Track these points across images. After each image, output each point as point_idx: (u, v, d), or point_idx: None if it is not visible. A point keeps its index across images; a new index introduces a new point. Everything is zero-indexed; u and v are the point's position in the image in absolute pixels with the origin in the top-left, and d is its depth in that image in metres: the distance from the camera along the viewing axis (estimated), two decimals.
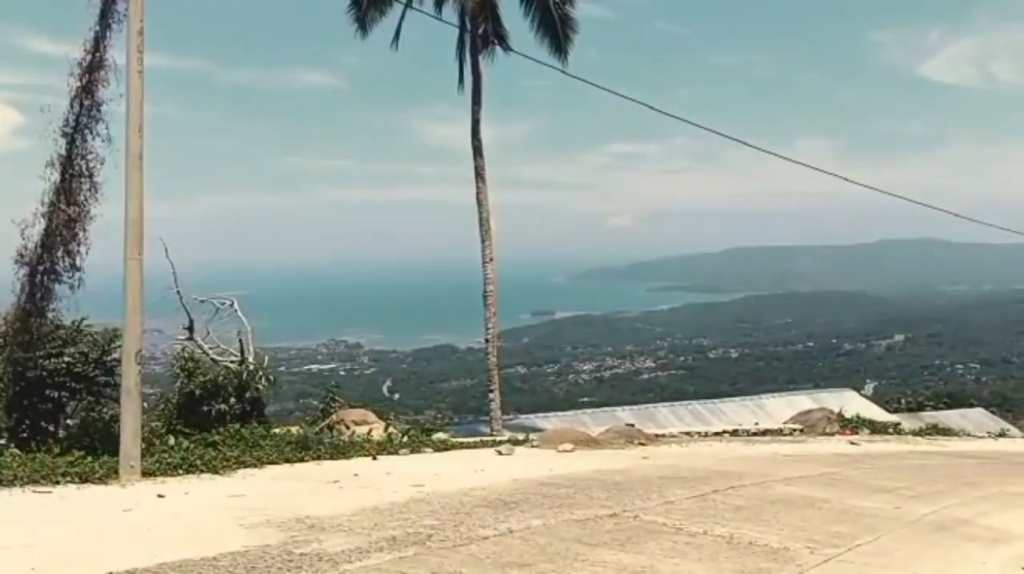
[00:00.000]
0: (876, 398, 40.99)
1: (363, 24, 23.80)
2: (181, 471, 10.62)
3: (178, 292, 15.01)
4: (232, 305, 15.87)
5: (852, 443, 19.75)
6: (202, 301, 15.69)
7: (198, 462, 10.94)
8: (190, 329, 15.36)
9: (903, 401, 42.53)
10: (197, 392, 13.88)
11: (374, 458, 12.88)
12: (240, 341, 15.25)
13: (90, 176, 12.22)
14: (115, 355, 12.65)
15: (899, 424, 26.23)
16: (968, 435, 26.03)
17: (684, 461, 14.32)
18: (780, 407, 28.82)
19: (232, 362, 14.84)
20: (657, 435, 18.98)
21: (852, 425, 23.86)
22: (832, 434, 21.94)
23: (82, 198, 12.16)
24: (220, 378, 14.04)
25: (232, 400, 13.89)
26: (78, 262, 12.33)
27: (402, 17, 23.81)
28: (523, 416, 28.89)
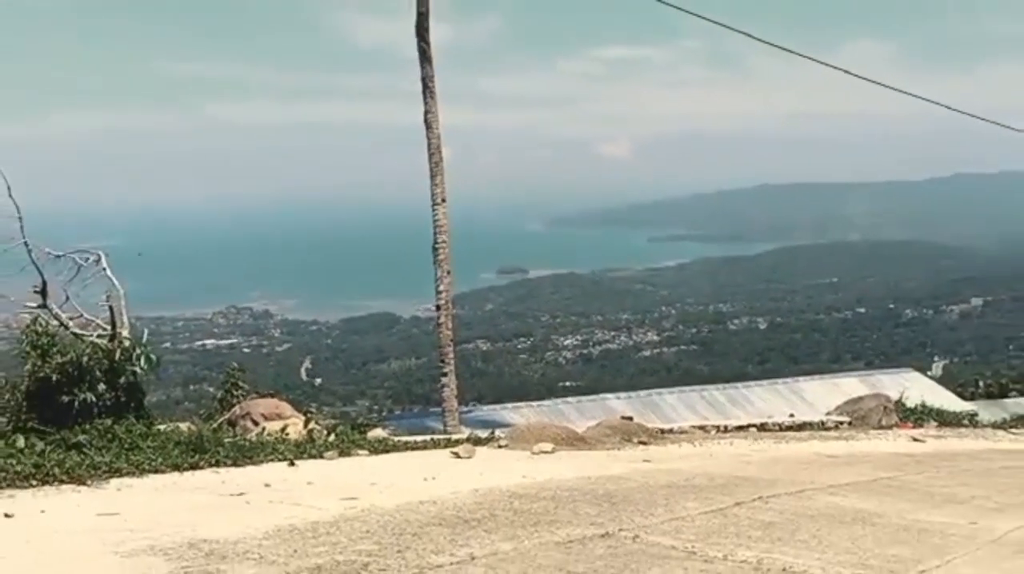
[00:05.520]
0: (946, 381, 41.65)
1: None
2: (34, 482, 10.58)
3: (25, 244, 14.87)
4: (99, 262, 15.76)
5: (915, 439, 20.07)
6: (58, 256, 15.57)
7: (57, 470, 10.90)
8: (43, 293, 15.22)
9: (981, 384, 43.31)
10: (54, 377, 13.79)
11: (291, 463, 12.92)
12: (110, 309, 15.15)
13: None
14: None
15: (976, 414, 26.62)
16: None
17: (697, 464, 14.48)
18: (822, 393, 29.13)
19: (100, 337, 14.76)
20: (662, 431, 19.15)
21: (915, 416, 24.20)
22: (889, 428, 22.25)
23: None
24: (84, 358, 13.96)
25: (101, 387, 13.83)
26: None
27: None
28: (486, 407, 29.03)
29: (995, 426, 24.89)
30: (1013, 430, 24.32)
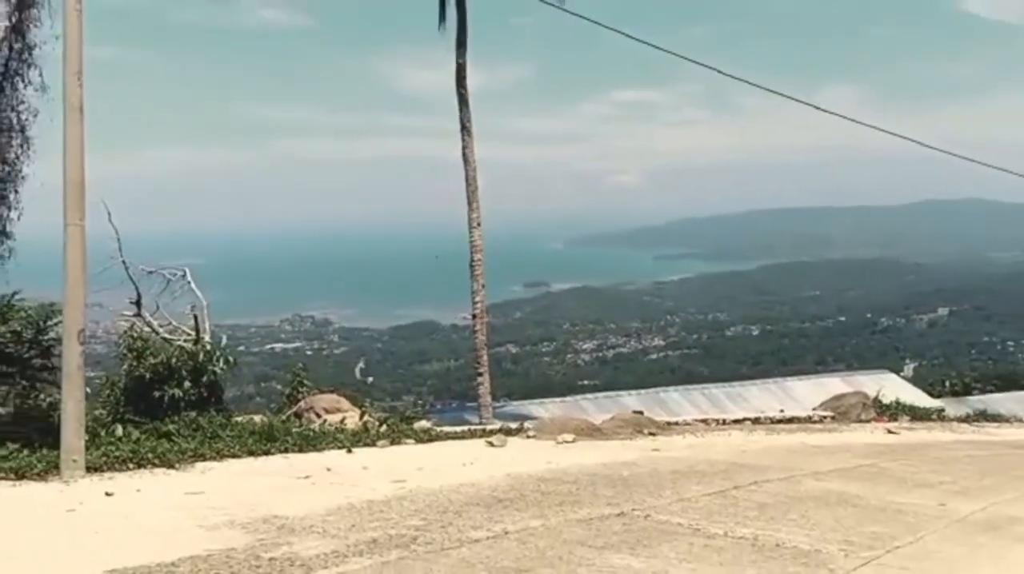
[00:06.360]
0: (917, 380, 41.40)
1: None
2: (131, 465, 10.67)
3: (123, 262, 15.04)
4: (184, 276, 15.90)
5: (890, 432, 19.91)
6: (150, 272, 15.74)
7: (150, 455, 11.00)
8: (138, 304, 15.40)
9: (947, 384, 42.90)
10: (147, 375, 13.90)
11: (349, 450, 12.96)
12: (194, 317, 15.29)
13: (21, 130, 12.21)
14: (53, 334, 12.67)
15: (943, 410, 26.42)
16: (1022, 422, 26.26)
17: (700, 453, 14.42)
18: (808, 391, 29.01)
19: (186, 341, 14.89)
20: (668, 424, 19.07)
21: (890, 411, 24.04)
22: (867, 422, 22.11)
23: (12, 155, 12.16)
24: (173, 359, 14.07)
25: (187, 384, 13.94)
26: (8, 228, 12.35)
27: None
28: (515, 402, 29.04)
29: (959, 420, 24.71)
30: (975, 423, 24.18)
